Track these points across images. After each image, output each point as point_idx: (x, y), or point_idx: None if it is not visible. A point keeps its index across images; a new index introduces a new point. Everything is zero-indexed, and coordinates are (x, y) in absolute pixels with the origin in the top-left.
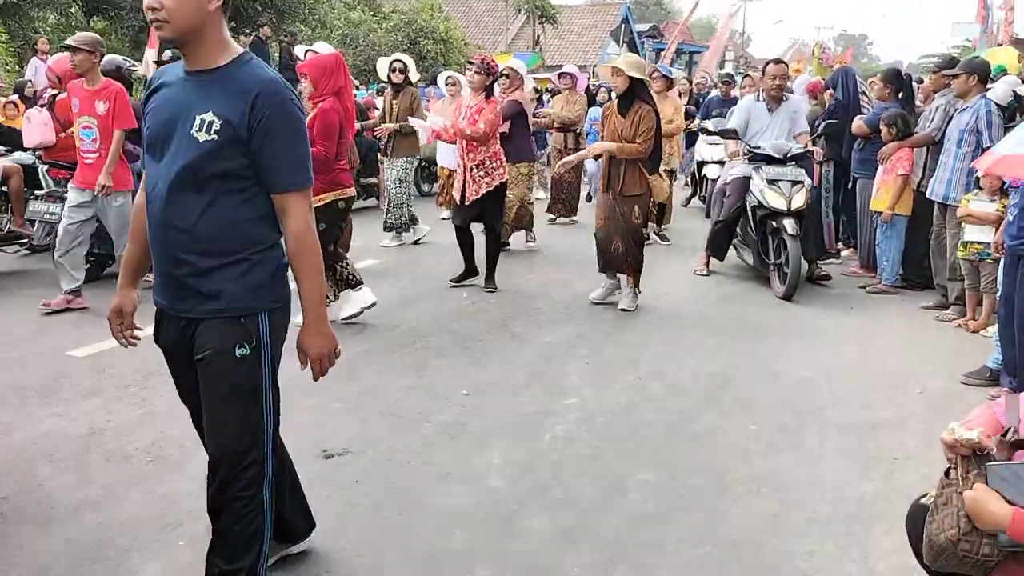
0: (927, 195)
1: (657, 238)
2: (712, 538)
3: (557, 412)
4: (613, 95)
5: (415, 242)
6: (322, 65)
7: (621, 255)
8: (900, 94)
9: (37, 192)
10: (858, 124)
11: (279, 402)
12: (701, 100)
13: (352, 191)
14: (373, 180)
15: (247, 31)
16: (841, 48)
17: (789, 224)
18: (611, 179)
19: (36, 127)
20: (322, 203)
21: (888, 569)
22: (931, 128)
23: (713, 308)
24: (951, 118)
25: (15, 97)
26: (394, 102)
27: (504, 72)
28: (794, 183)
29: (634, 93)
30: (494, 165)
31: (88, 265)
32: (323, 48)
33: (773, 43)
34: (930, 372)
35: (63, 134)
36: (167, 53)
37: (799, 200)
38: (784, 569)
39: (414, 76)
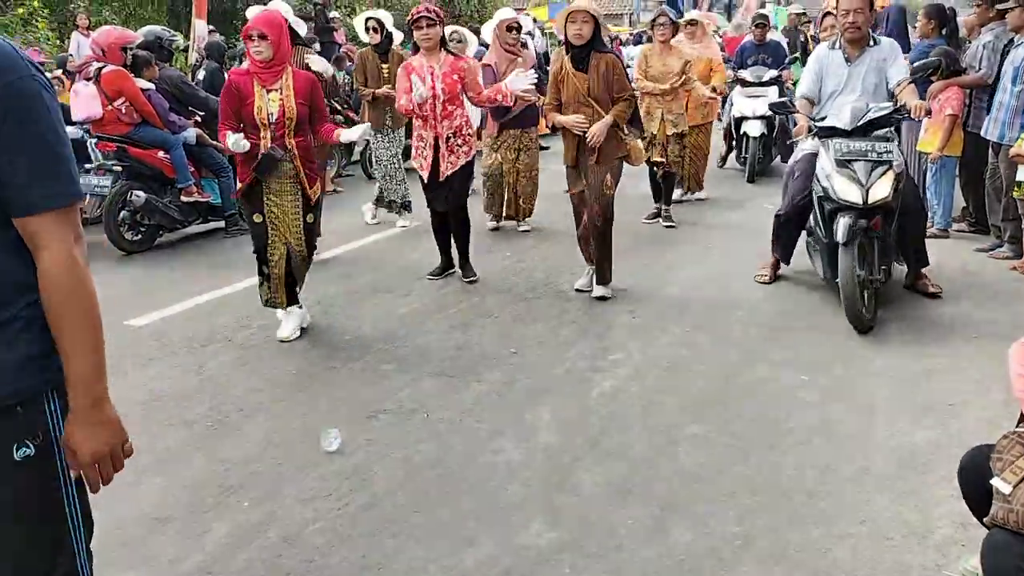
0: (982, 134)
1: (661, 219)
2: (765, 489)
3: (604, 368)
4: (555, 51)
5: (402, 226)
6: (277, 21)
7: (586, 236)
8: (944, 30)
9: (87, 165)
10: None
11: (88, 505)
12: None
13: None
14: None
15: None
16: None
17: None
18: (581, 146)
19: (84, 101)
20: (318, 193)
21: (945, 516)
22: (983, 68)
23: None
24: (1005, 54)
25: (59, 72)
26: (383, 66)
27: (515, 24)
28: (876, 164)
29: (591, 43)
30: (469, 132)
31: (139, 236)
32: (279, 6)
33: None
34: (984, 316)
35: (110, 107)
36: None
37: (881, 189)
38: (839, 519)
39: (396, 36)
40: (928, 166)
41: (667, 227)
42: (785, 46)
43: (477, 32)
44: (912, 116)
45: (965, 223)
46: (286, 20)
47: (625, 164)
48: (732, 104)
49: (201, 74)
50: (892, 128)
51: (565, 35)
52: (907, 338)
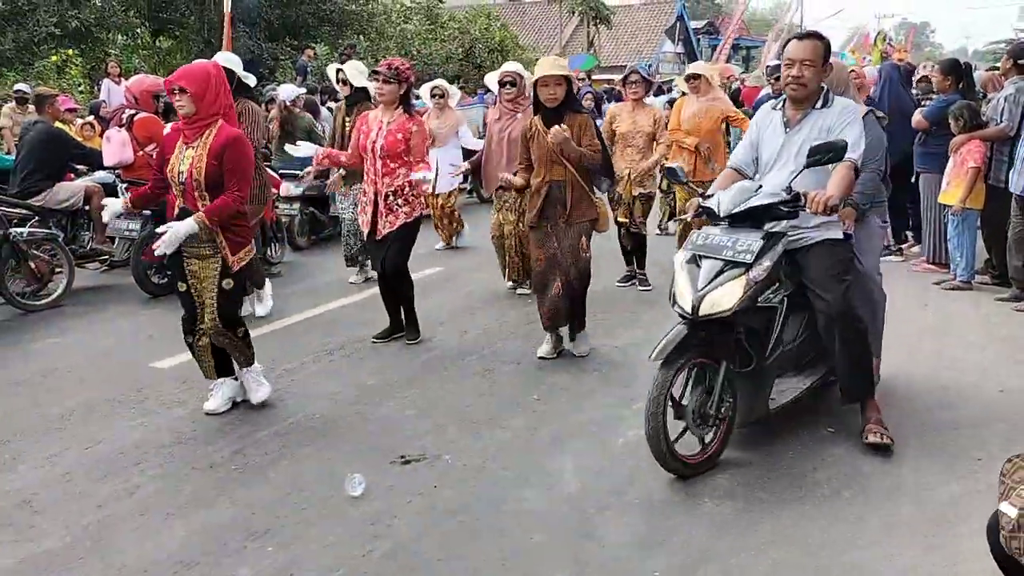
0: (1009, 188)
1: (637, 283)
2: (795, 541)
3: (628, 417)
4: (529, 117)
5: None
6: (202, 75)
7: (565, 305)
8: (960, 84)
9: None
10: (917, 119)
11: None
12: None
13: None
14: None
15: (306, 46)
16: (902, 37)
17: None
18: (549, 206)
19: (116, 146)
20: (250, 253)
21: (976, 571)
22: (1005, 120)
23: None
24: None
25: (91, 118)
26: (347, 119)
27: (504, 79)
28: (728, 266)
29: (565, 104)
30: (414, 192)
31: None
32: (227, 59)
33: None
34: (1010, 369)
35: (141, 153)
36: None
37: (722, 299)
38: (871, 573)
39: (365, 83)
40: (950, 219)
41: (643, 291)
42: None
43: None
44: (808, 208)
45: (988, 275)
46: (224, 71)
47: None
48: None
49: None
50: (787, 223)
51: (535, 98)
52: (934, 386)
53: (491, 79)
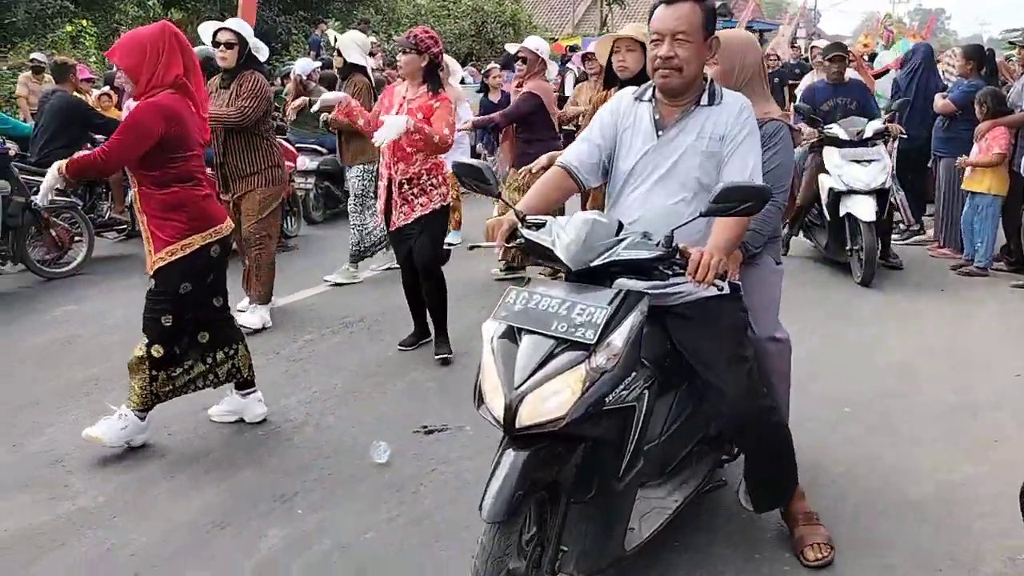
0: (1021, 173)
1: None
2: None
3: None
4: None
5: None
6: (136, 46)
7: None
8: (983, 70)
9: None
10: (942, 102)
11: None
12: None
13: (227, 226)
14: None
15: (319, 20)
16: (916, 23)
17: (865, 207)
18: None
19: None
20: (186, 251)
21: (993, 550)
22: None
23: (794, 292)
24: None
25: (107, 88)
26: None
27: (519, 54)
28: (552, 354)
29: (641, 76)
30: (433, 182)
31: None
32: (239, 26)
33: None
34: None
35: None
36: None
37: (550, 405)
38: (886, 550)
39: (357, 58)
40: (969, 204)
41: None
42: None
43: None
44: (688, 276)
45: (1004, 261)
46: (179, 38)
47: None
48: (811, 167)
49: None
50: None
51: (607, 65)
52: (950, 371)
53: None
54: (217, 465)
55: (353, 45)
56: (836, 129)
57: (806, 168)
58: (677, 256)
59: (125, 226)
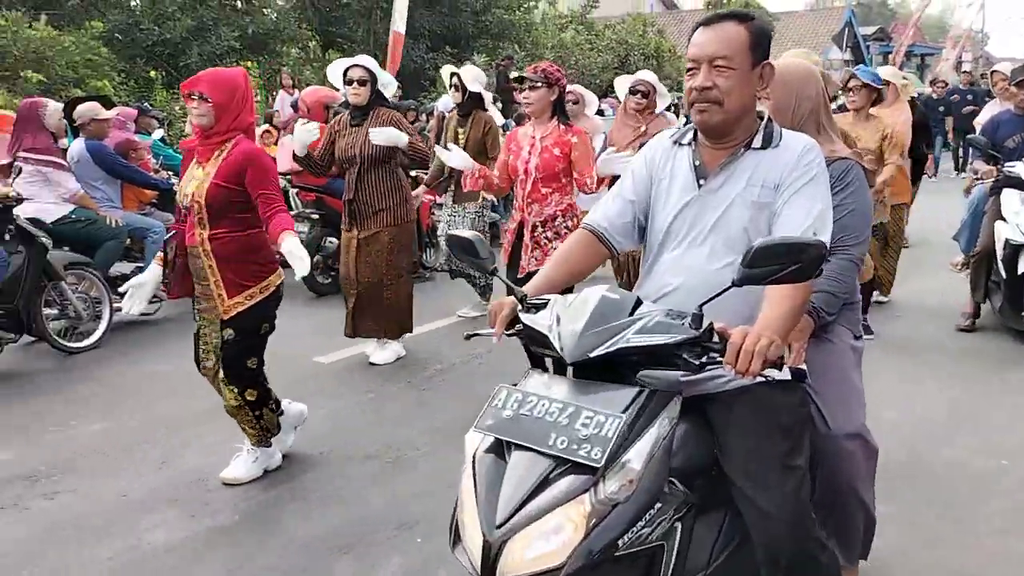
0: None
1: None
2: None
3: None
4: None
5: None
6: (230, 83)
7: None
8: None
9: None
10: None
11: None
12: (926, 109)
13: (281, 273)
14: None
15: (464, 57)
16: None
17: None
18: None
19: (288, 153)
20: (265, 293)
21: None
22: None
23: (951, 335)
24: None
25: (266, 126)
26: (460, 130)
27: (637, 87)
28: (553, 470)
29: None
30: (568, 224)
31: (330, 280)
32: (367, 61)
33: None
34: None
35: None
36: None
37: (535, 549)
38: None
39: (478, 87)
40: None
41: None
42: None
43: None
44: (726, 365)
45: None
46: (248, 82)
47: None
48: (990, 212)
49: None
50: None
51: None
52: None
53: (621, 84)
54: (343, 489)
55: (473, 79)
56: (1020, 168)
57: (985, 213)
58: (712, 339)
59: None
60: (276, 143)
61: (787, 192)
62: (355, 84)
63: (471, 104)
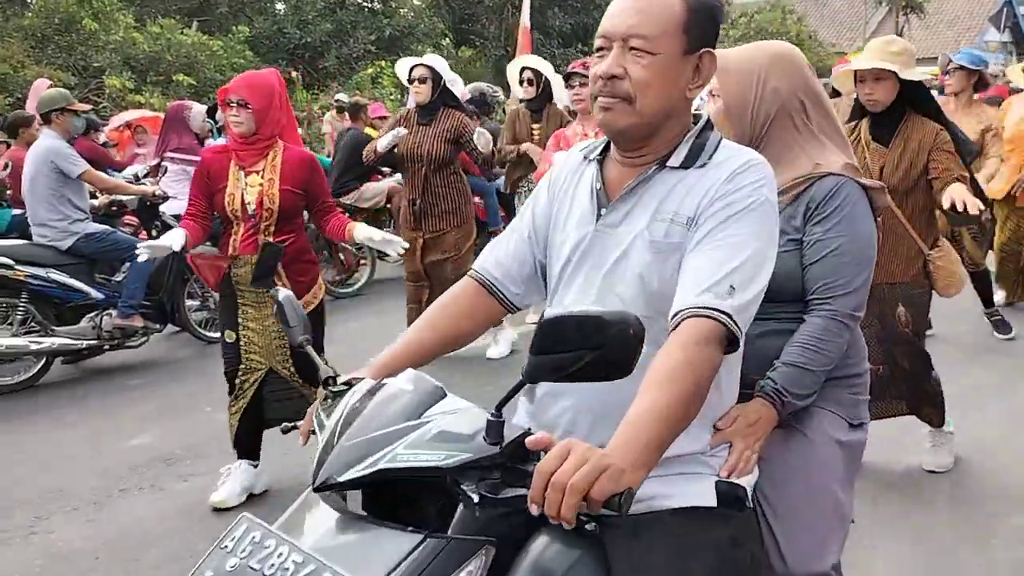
0: None
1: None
2: None
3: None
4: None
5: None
6: (267, 87)
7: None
8: None
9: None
10: None
11: None
12: None
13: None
14: None
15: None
16: None
17: None
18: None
19: None
20: (320, 293)
21: None
22: None
23: None
24: None
25: None
26: (535, 127)
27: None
28: None
29: (899, 105)
30: None
31: None
32: (433, 61)
33: None
34: None
35: None
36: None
37: None
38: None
39: (559, 92)
40: None
41: (1002, 338)
42: None
43: None
44: (546, 511)
45: None
46: (283, 84)
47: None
48: None
49: None
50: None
51: (857, 97)
52: None
53: None
54: None
55: (550, 68)
56: None
57: None
58: (523, 457)
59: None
60: None
61: (701, 229)
62: (416, 83)
63: (543, 99)
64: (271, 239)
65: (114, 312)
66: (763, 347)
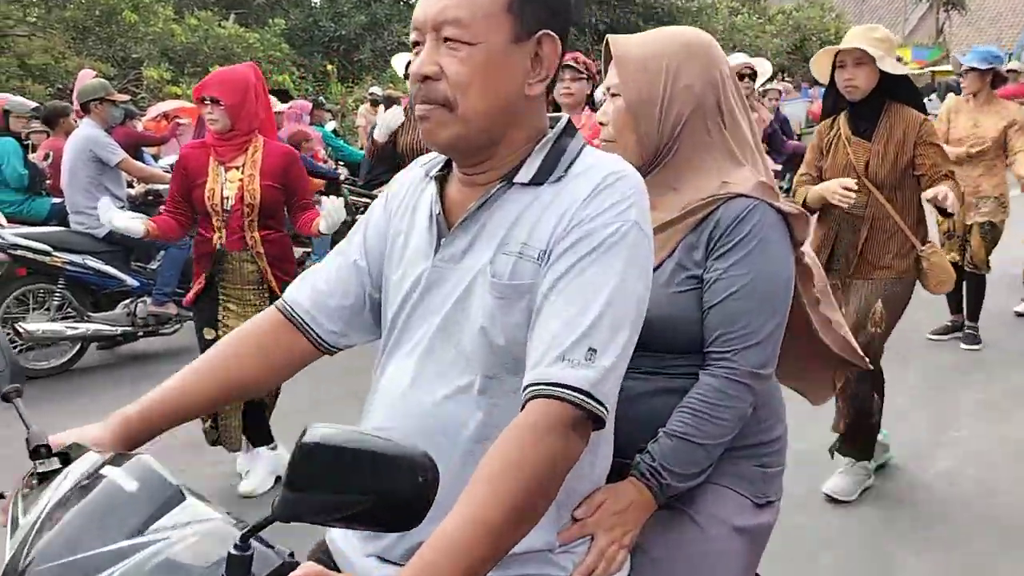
0: None
1: (961, 341)
2: None
3: (944, 443)
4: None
5: None
6: (240, 83)
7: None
8: None
9: None
10: None
11: None
12: None
13: None
14: None
15: None
16: None
17: None
18: (837, 253)
19: None
20: None
21: None
22: None
23: None
24: None
25: None
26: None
27: (743, 72)
28: None
29: (879, 93)
30: None
31: None
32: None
33: None
34: None
35: None
36: None
37: None
38: None
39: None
40: None
41: (968, 349)
42: None
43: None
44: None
45: None
46: (262, 78)
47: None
48: None
49: None
50: None
51: (831, 84)
52: None
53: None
54: None
55: None
56: None
57: None
58: None
59: None
60: None
61: (555, 269)
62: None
63: None
64: (257, 235)
65: (149, 299)
66: (655, 408)
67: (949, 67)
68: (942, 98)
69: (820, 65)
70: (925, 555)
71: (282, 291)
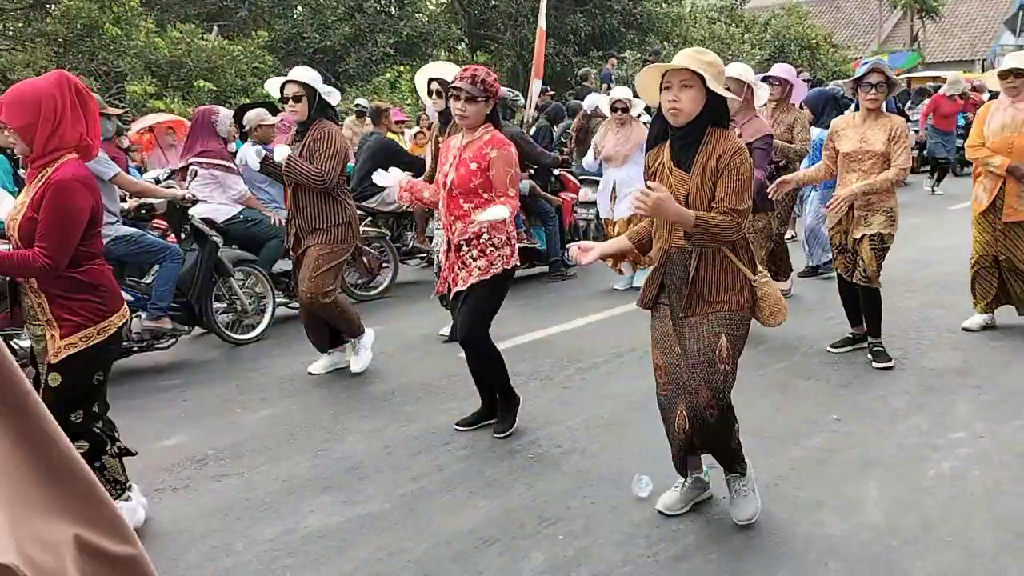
0: None
1: (870, 356)
2: None
3: (943, 447)
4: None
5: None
6: (30, 103)
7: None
8: None
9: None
10: None
11: None
12: None
13: (125, 312)
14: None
15: (610, 55)
16: None
17: None
18: (665, 286)
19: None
20: (103, 336)
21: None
22: None
23: None
24: None
25: (418, 128)
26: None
27: (619, 104)
28: None
29: (702, 120)
30: (495, 242)
31: None
32: (302, 74)
33: None
34: None
35: None
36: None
37: None
38: None
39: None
40: None
41: (878, 367)
42: None
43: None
44: None
45: None
46: (80, 91)
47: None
48: None
49: (533, 130)
50: None
51: (659, 110)
52: None
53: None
54: (489, 484)
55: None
56: None
57: None
58: None
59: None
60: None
61: None
62: (291, 101)
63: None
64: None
65: (144, 314)
66: None
67: (927, 73)
68: (916, 104)
69: (645, 84)
70: (929, 555)
71: (64, 330)
